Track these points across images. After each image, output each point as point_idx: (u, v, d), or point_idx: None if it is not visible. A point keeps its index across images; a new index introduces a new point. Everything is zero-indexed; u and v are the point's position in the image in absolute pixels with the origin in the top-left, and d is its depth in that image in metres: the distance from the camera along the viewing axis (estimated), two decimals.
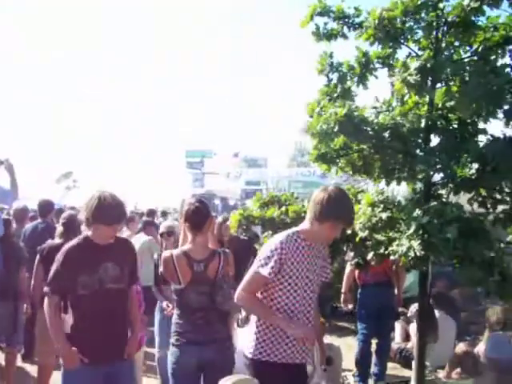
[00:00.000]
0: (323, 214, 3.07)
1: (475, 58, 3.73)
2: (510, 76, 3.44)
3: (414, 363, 4.34)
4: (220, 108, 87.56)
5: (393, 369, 6.55)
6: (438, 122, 3.85)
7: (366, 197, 4.21)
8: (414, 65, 3.59)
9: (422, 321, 4.29)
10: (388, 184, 4.15)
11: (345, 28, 4.09)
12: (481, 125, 3.77)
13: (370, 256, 4.10)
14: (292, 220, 4.28)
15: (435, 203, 3.58)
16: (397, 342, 7.04)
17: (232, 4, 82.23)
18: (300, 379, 3.28)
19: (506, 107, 3.42)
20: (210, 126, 77.60)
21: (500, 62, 3.61)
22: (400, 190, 4.59)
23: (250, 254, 6.31)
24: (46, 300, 3.46)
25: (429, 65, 3.53)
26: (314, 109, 4.03)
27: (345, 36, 4.12)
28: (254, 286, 3.18)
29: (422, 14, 3.77)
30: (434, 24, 3.77)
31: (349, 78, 4.08)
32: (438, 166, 3.59)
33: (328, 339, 3.45)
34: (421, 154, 3.78)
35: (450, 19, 3.74)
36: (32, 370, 5.98)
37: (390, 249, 3.77)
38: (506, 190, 3.71)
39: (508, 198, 3.76)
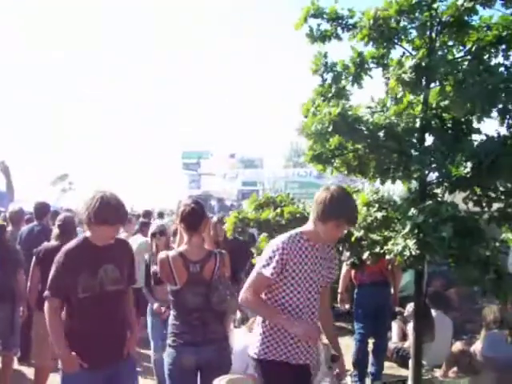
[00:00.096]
0: (326, 213, 3.06)
1: (469, 57, 3.74)
2: (504, 75, 3.45)
3: (410, 362, 4.34)
4: (216, 109, 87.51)
5: (390, 368, 6.57)
6: (433, 122, 3.86)
7: (361, 196, 4.22)
8: (409, 63, 3.60)
9: (419, 320, 4.29)
10: (383, 183, 4.16)
11: (338, 29, 4.10)
12: (475, 124, 3.79)
13: (365, 256, 4.11)
14: (287, 221, 4.26)
15: (430, 202, 3.58)
16: (394, 341, 7.05)
17: (232, 4, 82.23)
18: (304, 379, 3.28)
19: (500, 106, 3.43)
20: (206, 127, 77.57)
21: (493, 62, 3.62)
22: (395, 190, 4.60)
23: (246, 256, 6.31)
24: (46, 303, 3.41)
25: (423, 63, 3.54)
26: (309, 109, 4.04)
27: (338, 37, 4.12)
28: (258, 287, 3.17)
29: (417, 14, 3.78)
30: (428, 24, 3.78)
31: (343, 77, 4.09)
32: (433, 166, 3.60)
33: (325, 339, 3.46)
34: (416, 153, 3.79)
35: (444, 19, 3.75)
36: (29, 372, 5.96)
37: (386, 248, 3.78)
38: (501, 188, 3.72)
39: (503, 197, 3.77)
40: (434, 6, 3.74)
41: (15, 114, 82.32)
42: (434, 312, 6.47)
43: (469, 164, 3.39)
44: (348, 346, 6.33)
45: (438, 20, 3.76)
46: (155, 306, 5.09)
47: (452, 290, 8.23)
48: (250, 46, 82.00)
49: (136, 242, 7.29)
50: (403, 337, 7.08)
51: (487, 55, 3.66)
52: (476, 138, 3.76)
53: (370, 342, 6.19)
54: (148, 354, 5.63)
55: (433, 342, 6.07)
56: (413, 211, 3.52)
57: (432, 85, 3.78)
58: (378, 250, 3.96)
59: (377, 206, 4.11)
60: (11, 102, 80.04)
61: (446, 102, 3.67)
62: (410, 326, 6.40)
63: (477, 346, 5.58)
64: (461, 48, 3.83)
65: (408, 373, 4.55)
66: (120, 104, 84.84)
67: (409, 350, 5.70)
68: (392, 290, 6.37)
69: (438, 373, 6.01)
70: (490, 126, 3.64)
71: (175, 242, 4.11)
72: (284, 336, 3.14)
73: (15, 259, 5.37)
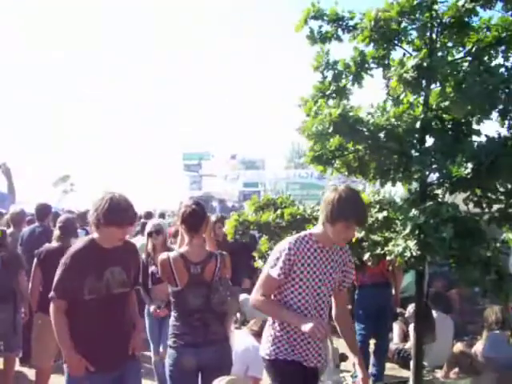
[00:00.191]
0: (334, 214, 3.03)
1: (469, 58, 3.75)
2: (504, 76, 3.45)
3: (411, 363, 4.34)
4: (216, 109, 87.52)
5: (391, 369, 6.56)
6: (433, 123, 3.86)
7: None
8: (410, 63, 3.60)
9: (419, 321, 4.29)
10: (383, 185, 4.15)
11: (339, 30, 4.10)
12: (474, 126, 3.79)
13: (366, 257, 4.11)
14: (288, 223, 4.26)
15: (431, 203, 3.59)
16: (395, 342, 7.04)
17: (232, 4, 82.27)
18: (313, 382, 3.28)
19: (500, 107, 3.43)
20: (207, 128, 77.55)
21: (493, 63, 3.63)
22: (396, 191, 4.60)
23: (247, 257, 6.30)
24: (51, 305, 3.38)
25: (425, 64, 3.54)
26: (311, 108, 4.04)
27: (339, 39, 4.13)
28: (267, 288, 3.16)
29: (417, 15, 3.79)
30: (429, 25, 3.79)
31: (344, 76, 4.09)
32: (434, 166, 3.60)
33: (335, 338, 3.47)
34: (416, 154, 3.79)
35: (444, 20, 3.76)
36: (30, 373, 5.97)
37: (387, 249, 3.78)
38: (501, 189, 3.72)
39: (503, 197, 3.77)
40: (435, 7, 3.75)
41: (15, 113, 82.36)
42: (435, 313, 6.47)
43: (469, 165, 3.39)
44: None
45: (438, 21, 3.77)
46: (152, 308, 5.09)
47: (453, 291, 8.22)
48: (250, 46, 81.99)
49: (137, 243, 7.29)
50: (404, 338, 7.07)
51: (487, 56, 3.66)
52: (476, 139, 3.77)
53: (371, 343, 6.19)
54: (148, 355, 5.63)
55: (434, 342, 6.08)
56: (413, 212, 3.52)
57: (432, 86, 3.78)
58: (378, 251, 3.96)
59: (378, 206, 4.11)
60: (11, 102, 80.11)
61: (447, 103, 3.67)
62: (411, 327, 6.41)
63: (478, 347, 5.59)
64: (460, 49, 3.84)
65: (409, 374, 4.55)
66: (120, 104, 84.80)
67: (410, 351, 5.69)
68: (393, 291, 6.36)
69: (439, 374, 6.02)
70: (491, 127, 3.65)
71: (176, 243, 4.11)
72: (294, 338, 3.14)
73: (16, 260, 5.38)
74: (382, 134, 3.75)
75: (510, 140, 3.50)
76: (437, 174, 3.71)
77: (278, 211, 4.33)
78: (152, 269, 5.17)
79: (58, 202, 15.19)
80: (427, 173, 3.75)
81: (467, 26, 3.74)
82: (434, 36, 3.83)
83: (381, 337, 6.16)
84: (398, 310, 7.25)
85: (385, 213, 4.03)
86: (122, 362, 3.48)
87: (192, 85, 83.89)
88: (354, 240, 4.15)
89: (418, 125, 3.85)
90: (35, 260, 5.18)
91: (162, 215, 13.90)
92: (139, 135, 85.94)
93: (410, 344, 6.48)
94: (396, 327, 7.20)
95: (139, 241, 7.55)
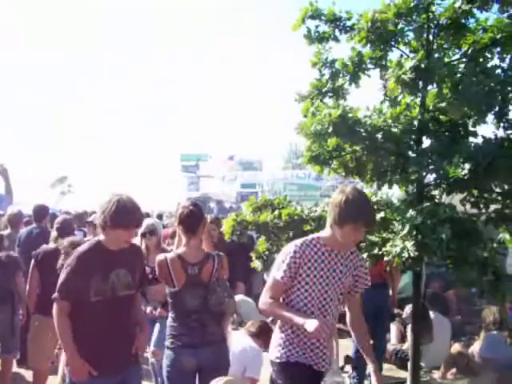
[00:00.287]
0: (342, 216, 2.97)
1: (465, 59, 3.76)
2: (500, 77, 3.46)
3: (409, 364, 4.35)
4: (215, 110, 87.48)
5: (389, 370, 6.56)
6: (430, 124, 3.88)
7: None
8: (408, 64, 3.61)
9: (417, 322, 4.30)
10: (379, 188, 4.16)
11: (336, 31, 4.12)
12: (471, 128, 3.81)
13: (364, 257, 4.10)
14: (285, 223, 4.25)
15: (428, 204, 3.60)
16: (392, 343, 7.04)
17: (232, 4, 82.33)
18: None
19: (496, 109, 3.45)
20: (205, 129, 77.58)
21: (490, 64, 3.64)
22: (394, 192, 4.61)
23: (244, 258, 6.29)
24: (54, 306, 3.34)
25: (422, 65, 3.55)
26: (309, 108, 4.05)
27: (336, 39, 4.15)
28: (274, 292, 3.11)
29: (414, 16, 3.80)
30: (426, 26, 3.80)
31: (341, 75, 4.10)
32: (431, 167, 3.62)
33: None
34: (413, 155, 3.81)
35: (441, 21, 3.77)
36: (27, 375, 5.95)
37: (384, 249, 3.78)
38: (498, 190, 3.73)
39: (500, 198, 3.79)
40: (432, 8, 3.76)
41: (15, 113, 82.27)
42: (432, 314, 6.48)
43: (466, 166, 3.41)
44: (347, 347, 6.34)
45: (435, 22, 3.78)
46: (148, 309, 5.07)
47: (450, 292, 8.23)
48: (250, 46, 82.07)
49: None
50: (402, 339, 7.07)
51: (483, 57, 3.68)
52: (472, 140, 3.78)
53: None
54: (146, 357, 5.62)
55: (431, 343, 6.08)
56: (411, 213, 3.53)
57: (429, 87, 3.79)
58: (376, 251, 3.96)
59: (375, 207, 4.11)
60: (11, 101, 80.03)
61: (443, 104, 3.68)
62: (408, 328, 6.41)
63: (475, 348, 5.60)
64: (456, 51, 3.85)
65: (407, 375, 4.55)
66: (120, 104, 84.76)
67: (407, 351, 5.70)
68: (390, 292, 6.36)
69: (437, 374, 6.02)
70: (488, 128, 3.66)
71: (174, 244, 4.11)
72: (305, 342, 3.10)
73: (14, 262, 5.37)
74: (379, 135, 3.77)
75: (507, 141, 3.52)
76: (434, 175, 3.72)
77: (276, 212, 4.33)
78: (147, 270, 5.15)
79: (55, 204, 15.20)
80: (424, 174, 3.76)
81: (464, 27, 3.75)
82: (430, 37, 3.84)
83: (378, 338, 6.15)
84: (396, 310, 7.24)
85: (382, 213, 4.04)
86: (125, 366, 3.45)
87: (192, 85, 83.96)
88: None
89: (415, 126, 3.86)
90: (32, 261, 5.17)
91: (160, 216, 13.90)
92: (138, 136, 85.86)
93: (407, 345, 6.48)
94: (393, 328, 7.20)
95: (137, 241, 7.53)
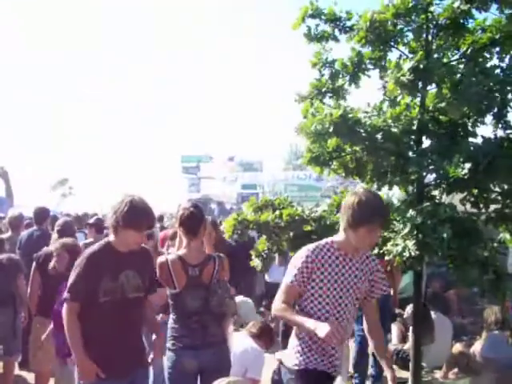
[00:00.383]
0: (356, 218, 2.89)
1: (464, 60, 3.77)
2: (499, 77, 3.47)
3: (410, 364, 4.35)
4: (215, 111, 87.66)
5: None
6: (430, 124, 3.88)
7: None
8: (407, 65, 3.61)
9: (418, 322, 4.30)
10: (380, 188, 4.16)
11: (336, 31, 4.13)
12: (470, 128, 3.81)
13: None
14: (286, 223, 4.26)
15: (428, 204, 3.61)
16: (394, 343, 7.04)
17: (232, 4, 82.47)
18: None
19: (495, 110, 3.46)
20: (205, 130, 77.78)
21: (489, 64, 3.65)
22: (394, 192, 4.61)
23: (245, 259, 6.29)
24: (64, 306, 3.33)
25: (421, 66, 3.56)
26: (308, 110, 4.05)
27: (336, 39, 4.15)
28: (285, 296, 3.04)
29: (413, 17, 3.81)
30: (425, 26, 3.81)
31: (341, 75, 4.11)
32: (431, 167, 3.62)
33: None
34: (413, 155, 3.81)
35: (440, 21, 3.78)
36: (29, 377, 5.96)
37: (385, 249, 3.78)
38: (497, 189, 3.74)
39: (499, 198, 3.79)
40: (431, 8, 3.77)
41: (15, 114, 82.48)
42: (433, 314, 6.48)
43: (466, 165, 3.41)
44: (348, 348, 6.33)
45: (434, 23, 3.79)
46: None
47: (451, 292, 8.23)
48: (250, 46, 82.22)
49: None
50: (403, 339, 7.07)
51: (482, 58, 3.69)
52: (472, 140, 3.78)
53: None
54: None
55: (433, 343, 6.08)
56: (411, 213, 3.53)
57: (428, 87, 3.80)
58: (377, 250, 3.97)
59: None
60: (11, 102, 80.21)
61: (443, 105, 3.69)
62: (410, 328, 6.42)
63: (476, 347, 5.60)
64: (455, 52, 3.86)
65: (408, 375, 4.55)
66: (120, 104, 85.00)
67: (409, 351, 5.70)
68: (391, 292, 6.36)
69: (439, 374, 6.02)
70: (486, 128, 3.67)
71: (174, 246, 4.12)
72: (323, 348, 3.03)
73: (15, 264, 5.38)
74: (379, 135, 3.77)
75: (506, 141, 3.53)
76: (434, 175, 3.72)
77: (277, 212, 4.33)
78: None
79: (56, 206, 15.22)
80: (424, 174, 3.77)
81: (462, 27, 3.76)
82: (429, 38, 3.85)
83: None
84: (397, 310, 7.24)
85: None
86: (133, 369, 3.43)
87: (192, 85, 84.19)
88: None
89: (414, 126, 3.87)
90: (34, 264, 5.18)
91: (161, 218, 13.91)
92: (138, 137, 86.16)
93: (408, 345, 6.48)
94: (394, 328, 7.19)
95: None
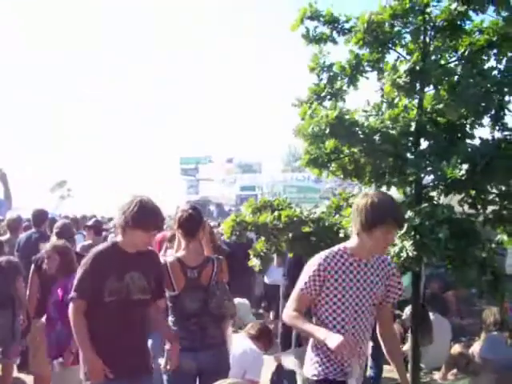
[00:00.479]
0: (369, 220, 2.79)
1: (462, 61, 3.78)
2: (497, 78, 3.48)
3: (409, 365, 4.35)
4: (214, 112, 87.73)
5: (389, 371, 6.53)
6: (428, 126, 3.89)
7: None
8: (403, 67, 3.62)
9: (416, 323, 4.31)
10: (378, 189, 4.16)
11: (334, 33, 4.14)
12: (468, 129, 3.82)
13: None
14: (285, 225, 4.26)
15: (426, 205, 3.62)
16: None
17: (232, 4, 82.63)
18: None
19: (492, 112, 3.47)
20: (204, 131, 77.99)
21: (486, 66, 3.66)
22: (393, 194, 4.62)
23: (244, 260, 6.29)
24: (70, 305, 3.31)
25: (418, 67, 3.57)
26: (306, 112, 4.06)
27: (334, 41, 4.16)
28: (297, 304, 2.97)
29: (410, 18, 3.82)
30: (422, 28, 3.82)
31: (339, 78, 4.12)
32: (429, 169, 3.63)
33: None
34: (411, 156, 3.82)
35: (437, 23, 3.79)
36: (28, 379, 5.94)
37: None
38: (495, 190, 3.75)
39: (497, 199, 3.80)
40: (428, 10, 3.78)
41: (15, 114, 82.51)
42: (432, 315, 6.48)
43: (464, 167, 3.42)
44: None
45: (431, 24, 3.81)
46: None
47: (449, 293, 8.23)
48: (250, 46, 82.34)
49: None
50: (402, 340, 7.06)
51: (480, 59, 3.70)
52: (470, 142, 3.80)
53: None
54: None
55: (431, 344, 6.08)
56: (409, 214, 3.54)
57: (426, 89, 3.81)
58: None
59: None
60: (11, 102, 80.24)
61: (441, 106, 3.70)
62: (408, 329, 6.42)
63: (475, 348, 5.59)
64: (453, 54, 3.87)
65: (407, 376, 4.56)
66: (120, 104, 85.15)
67: (407, 353, 5.70)
68: None
69: (437, 375, 6.01)
70: (485, 129, 3.68)
71: (173, 248, 4.12)
72: (341, 357, 2.90)
73: (14, 267, 5.38)
74: (377, 137, 3.78)
75: (504, 142, 3.54)
76: (432, 177, 3.74)
77: (276, 213, 4.32)
78: None
79: (55, 208, 15.19)
80: (422, 175, 3.78)
81: (460, 29, 3.77)
82: (427, 39, 3.86)
83: (378, 339, 6.15)
84: (396, 312, 7.24)
85: None
86: (138, 373, 3.41)
87: (192, 85, 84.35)
88: None
89: (412, 128, 3.88)
90: (32, 266, 5.17)
91: None
92: (137, 138, 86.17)
93: (407, 346, 6.48)
94: None
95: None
